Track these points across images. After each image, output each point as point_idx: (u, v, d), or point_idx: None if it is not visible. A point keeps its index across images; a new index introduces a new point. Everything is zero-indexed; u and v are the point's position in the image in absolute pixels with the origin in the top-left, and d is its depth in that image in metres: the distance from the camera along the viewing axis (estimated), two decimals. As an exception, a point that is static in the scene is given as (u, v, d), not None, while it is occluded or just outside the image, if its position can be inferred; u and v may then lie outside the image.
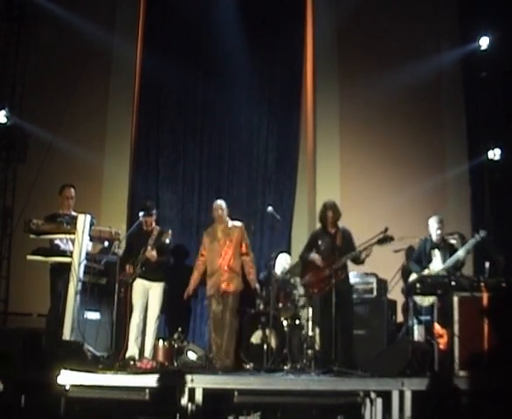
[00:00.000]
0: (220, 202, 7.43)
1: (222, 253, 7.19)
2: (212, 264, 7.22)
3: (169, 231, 7.06)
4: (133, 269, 7.00)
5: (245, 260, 7.34)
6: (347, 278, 6.98)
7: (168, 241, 7.07)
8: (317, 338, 7.34)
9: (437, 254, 7.21)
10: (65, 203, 7.08)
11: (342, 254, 6.80)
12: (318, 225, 7.23)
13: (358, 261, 6.92)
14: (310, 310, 7.44)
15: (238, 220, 7.48)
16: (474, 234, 7.07)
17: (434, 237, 7.30)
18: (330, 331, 6.59)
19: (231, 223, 7.38)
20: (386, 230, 6.74)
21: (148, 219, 7.14)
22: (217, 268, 7.16)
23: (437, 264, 7.14)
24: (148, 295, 7.06)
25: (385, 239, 6.64)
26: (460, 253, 7.05)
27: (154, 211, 7.25)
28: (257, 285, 7.45)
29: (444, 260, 7.12)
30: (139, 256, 7.01)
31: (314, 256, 6.91)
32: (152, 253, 6.97)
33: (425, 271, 7.11)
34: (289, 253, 8.49)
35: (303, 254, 7.14)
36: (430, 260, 7.24)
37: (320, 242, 6.99)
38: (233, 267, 7.19)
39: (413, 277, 7.21)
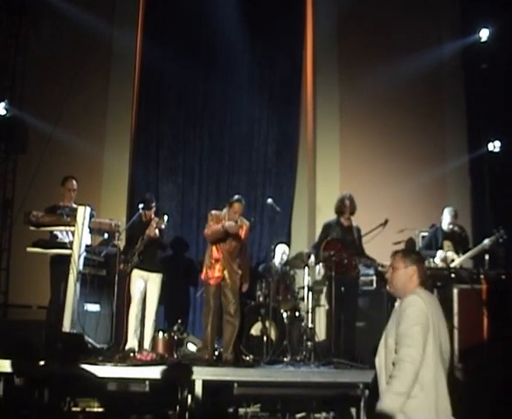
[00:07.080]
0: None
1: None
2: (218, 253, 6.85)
3: (165, 217, 6.90)
4: (126, 265, 6.92)
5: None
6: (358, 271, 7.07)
7: (163, 226, 6.96)
8: (317, 329, 7.34)
9: (449, 244, 7.19)
10: (67, 195, 7.07)
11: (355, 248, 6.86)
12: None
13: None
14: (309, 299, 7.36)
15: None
16: (496, 231, 6.93)
17: (445, 228, 7.29)
18: (337, 318, 6.67)
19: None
20: (386, 221, 6.82)
21: (147, 212, 7.11)
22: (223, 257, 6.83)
23: (451, 255, 7.12)
24: (146, 286, 7.00)
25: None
26: (486, 242, 6.95)
27: (153, 204, 7.16)
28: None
29: (456, 251, 7.11)
30: (136, 245, 6.98)
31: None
32: (155, 231, 6.82)
33: (438, 260, 7.09)
34: (288, 245, 8.49)
35: (317, 244, 7.09)
36: (440, 249, 7.21)
37: (332, 233, 6.99)
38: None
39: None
